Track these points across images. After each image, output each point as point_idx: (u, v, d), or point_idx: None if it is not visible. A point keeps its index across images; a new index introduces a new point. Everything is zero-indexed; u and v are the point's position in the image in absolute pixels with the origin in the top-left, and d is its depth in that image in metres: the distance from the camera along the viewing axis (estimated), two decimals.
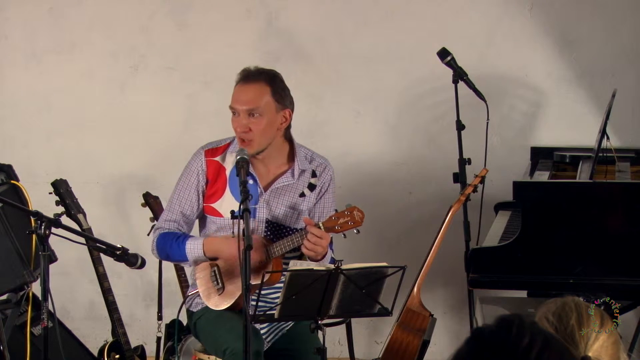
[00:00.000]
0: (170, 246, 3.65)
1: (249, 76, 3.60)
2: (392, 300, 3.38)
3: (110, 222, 5.10)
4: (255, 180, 3.62)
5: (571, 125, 4.97)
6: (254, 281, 3.29)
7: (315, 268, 3.25)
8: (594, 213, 3.90)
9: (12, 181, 3.99)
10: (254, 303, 3.21)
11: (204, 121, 5.06)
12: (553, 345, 1.61)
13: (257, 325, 3.54)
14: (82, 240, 3.52)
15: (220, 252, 3.60)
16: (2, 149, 5.14)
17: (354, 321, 4.43)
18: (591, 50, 4.96)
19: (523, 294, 4.49)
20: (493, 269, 3.94)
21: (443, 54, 4.51)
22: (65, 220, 3.98)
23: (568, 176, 4.57)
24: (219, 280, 3.61)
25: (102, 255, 3.99)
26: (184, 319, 3.93)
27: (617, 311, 2.83)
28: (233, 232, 3.56)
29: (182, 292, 4.40)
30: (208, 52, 5.08)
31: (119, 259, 3.40)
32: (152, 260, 3.79)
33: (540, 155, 4.88)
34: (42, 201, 3.98)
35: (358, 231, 3.47)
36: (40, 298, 3.21)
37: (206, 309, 3.66)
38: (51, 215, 3.39)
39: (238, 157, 3.42)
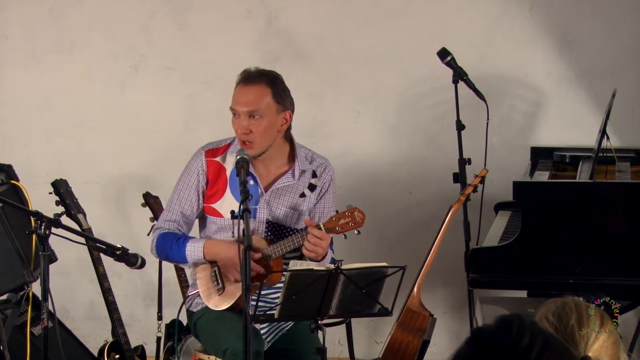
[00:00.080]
0: (170, 247, 3.65)
1: (250, 77, 3.59)
2: (392, 300, 3.38)
3: (110, 222, 5.10)
4: (255, 181, 3.62)
5: (571, 125, 4.97)
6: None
7: (315, 268, 3.24)
8: (594, 213, 3.90)
9: (12, 181, 3.99)
10: (254, 303, 3.22)
11: (204, 121, 5.06)
12: (553, 345, 1.61)
13: (257, 326, 3.54)
14: (82, 240, 3.51)
15: (220, 256, 3.60)
16: (2, 149, 5.14)
17: (354, 321, 4.43)
18: (591, 50, 4.96)
19: (523, 294, 4.49)
20: (493, 269, 3.94)
21: (443, 54, 4.51)
22: (65, 220, 3.98)
23: (568, 176, 4.57)
24: (219, 281, 3.61)
25: (102, 255, 3.99)
26: (184, 319, 3.93)
27: (617, 311, 2.83)
28: (233, 233, 3.56)
29: (182, 292, 4.40)
30: (208, 52, 5.08)
31: (119, 259, 3.40)
32: (152, 260, 3.79)
33: (540, 155, 4.88)
34: (42, 201, 3.98)
35: (359, 232, 3.47)
36: (40, 298, 3.21)
37: (206, 309, 3.66)
38: (51, 215, 3.39)
39: (238, 157, 3.41)
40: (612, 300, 3.23)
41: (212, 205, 3.67)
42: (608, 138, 4.35)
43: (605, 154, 4.36)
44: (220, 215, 3.65)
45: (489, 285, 4.09)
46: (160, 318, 4.43)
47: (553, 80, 4.99)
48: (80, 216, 4.21)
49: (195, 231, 3.79)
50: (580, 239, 3.88)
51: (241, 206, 3.20)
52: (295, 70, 4.94)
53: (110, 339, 4.25)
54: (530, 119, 5.03)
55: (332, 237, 3.54)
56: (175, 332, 3.97)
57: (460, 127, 4.48)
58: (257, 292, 3.28)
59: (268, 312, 3.40)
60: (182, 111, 5.14)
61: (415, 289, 4.16)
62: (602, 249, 3.87)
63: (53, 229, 3.19)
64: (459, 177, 4.45)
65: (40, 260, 3.20)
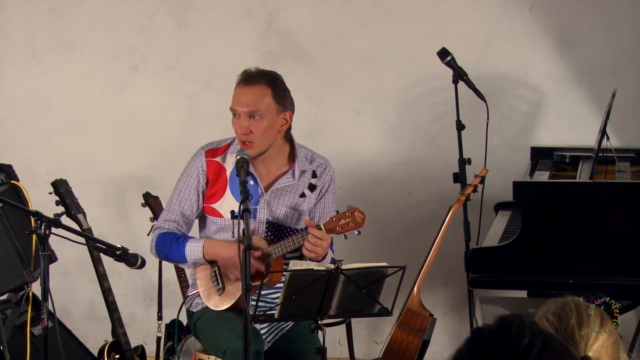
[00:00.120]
0: (169, 247, 3.65)
1: (250, 78, 3.59)
2: (392, 300, 3.38)
3: (110, 222, 5.10)
4: (255, 181, 3.62)
5: (571, 125, 4.97)
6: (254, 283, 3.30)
7: (315, 268, 3.24)
8: (594, 213, 3.90)
9: (12, 181, 3.99)
10: (254, 303, 3.21)
11: (204, 121, 5.06)
12: (553, 345, 1.61)
13: (257, 326, 3.54)
14: (82, 240, 3.51)
15: (220, 256, 3.59)
16: (2, 149, 5.14)
17: (354, 321, 4.43)
18: (591, 50, 4.96)
19: (523, 294, 4.49)
20: (493, 269, 3.94)
21: (443, 54, 4.51)
22: (65, 220, 3.98)
23: (568, 176, 4.57)
24: (220, 281, 3.61)
25: (102, 255, 3.99)
26: (184, 319, 3.93)
27: (617, 311, 2.83)
28: (233, 233, 3.56)
29: (182, 292, 4.40)
30: (208, 52, 5.08)
31: (119, 259, 3.40)
32: (152, 260, 3.79)
33: (540, 155, 4.88)
34: (42, 201, 3.98)
35: (359, 232, 3.47)
36: (40, 298, 3.21)
37: (206, 309, 3.66)
38: (51, 215, 3.39)
39: (238, 157, 3.41)
40: (612, 300, 3.23)
41: (212, 206, 3.67)
42: (608, 138, 4.35)
43: (605, 154, 4.36)
44: (220, 216, 3.65)
45: (489, 285, 4.09)
46: (160, 318, 4.43)
47: (553, 80, 4.99)
48: (80, 216, 4.21)
49: (195, 231, 3.79)
50: (580, 239, 3.88)
51: (241, 206, 3.20)
52: (295, 70, 4.94)
53: (110, 339, 4.25)
54: (530, 119, 5.03)
55: (332, 237, 3.54)
56: (175, 332, 3.97)
57: (460, 127, 4.48)
58: (257, 292, 3.28)
59: (268, 312, 3.40)
60: (182, 111, 5.14)
61: (415, 289, 4.16)
62: (602, 249, 3.87)
63: (53, 229, 3.19)
64: (459, 177, 4.45)
65: (40, 260, 3.20)
